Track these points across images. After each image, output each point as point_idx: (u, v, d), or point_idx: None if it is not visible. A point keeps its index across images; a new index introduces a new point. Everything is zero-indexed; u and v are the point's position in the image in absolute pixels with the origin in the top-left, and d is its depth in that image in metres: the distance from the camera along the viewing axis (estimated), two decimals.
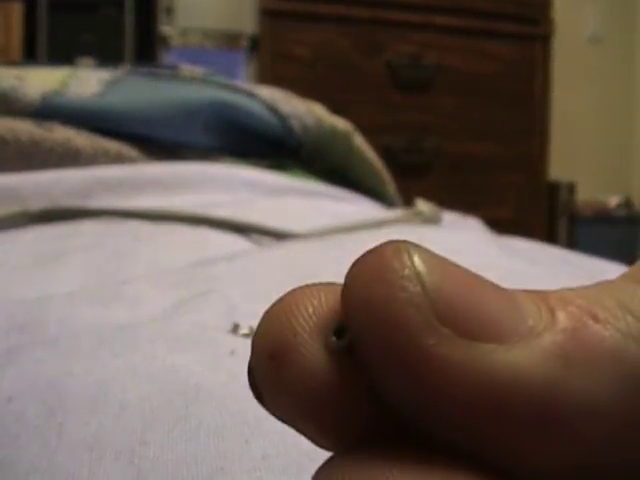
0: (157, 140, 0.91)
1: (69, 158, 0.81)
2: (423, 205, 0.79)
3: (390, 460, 0.15)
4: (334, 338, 0.16)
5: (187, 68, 1.22)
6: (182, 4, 2.94)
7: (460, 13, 3.06)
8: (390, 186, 1.08)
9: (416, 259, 0.16)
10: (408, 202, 0.84)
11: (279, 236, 0.62)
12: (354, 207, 0.82)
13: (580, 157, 3.51)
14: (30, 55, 2.68)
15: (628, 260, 0.66)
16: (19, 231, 0.63)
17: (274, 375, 0.16)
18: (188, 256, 0.55)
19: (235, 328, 0.40)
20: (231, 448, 0.30)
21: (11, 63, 1.63)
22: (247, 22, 2.96)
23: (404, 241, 0.16)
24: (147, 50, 2.80)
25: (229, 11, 3.01)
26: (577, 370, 0.15)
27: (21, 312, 0.43)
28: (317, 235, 0.62)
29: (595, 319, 0.16)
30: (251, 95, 0.98)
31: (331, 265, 0.52)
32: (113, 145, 0.85)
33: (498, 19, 3.09)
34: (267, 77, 2.76)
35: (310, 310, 0.17)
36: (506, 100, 3.09)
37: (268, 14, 2.90)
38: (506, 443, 0.15)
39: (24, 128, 0.81)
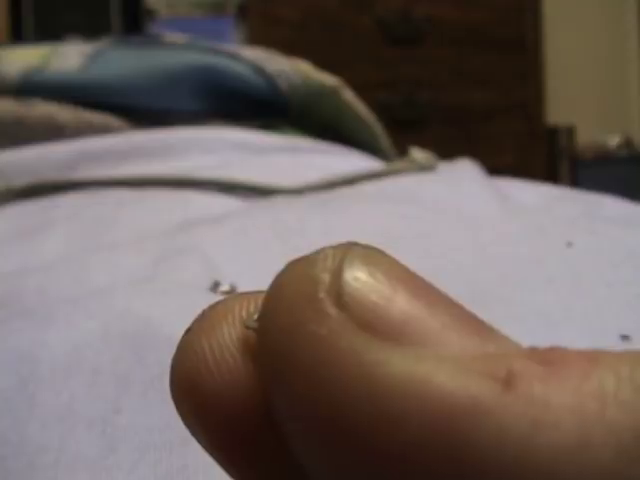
0: (144, 109, 0.90)
1: (53, 133, 0.80)
2: (417, 153, 0.78)
3: None
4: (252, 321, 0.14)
5: (170, 35, 1.21)
6: None
7: None
8: (383, 139, 1.07)
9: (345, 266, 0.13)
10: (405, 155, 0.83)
11: (266, 192, 0.61)
12: (345, 161, 0.81)
13: (577, 99, 3.48)
14: (18, 37, 2.66)
15: (631, 200, 0.65)
16: (2, 207, 0.62)
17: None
18: (171, 218, 0.54)
19: (215, 286, 0.39)
20: None
21: None
22: None
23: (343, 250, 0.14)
24: (135, 24, 2.77)
25: None
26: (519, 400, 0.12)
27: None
28: (306, 190, 0.61)
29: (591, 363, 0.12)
30: (235, 57, 0.97)
31: (318, 220, 0.51)
32: (98, 117, 0.84)
33: None
34: (257, 41, 2.74)
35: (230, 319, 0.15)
36: (499, 47, 3.06)
37: None
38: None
39: (5, 106, 0.80)
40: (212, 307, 0.15)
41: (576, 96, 3.48)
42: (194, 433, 0.15)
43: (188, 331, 0.15)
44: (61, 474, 0.28)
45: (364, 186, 0.63)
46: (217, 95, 0.94)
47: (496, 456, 0.11)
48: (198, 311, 0.36)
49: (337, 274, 0.13)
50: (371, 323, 0.12)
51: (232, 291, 0.39)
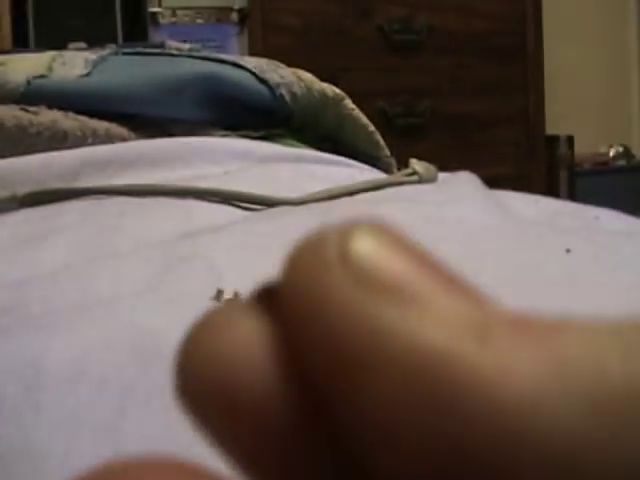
0: (146, 117, 0.90)
1: (57, 141, 0.80)
2: (417, 165, 0.79)
3: None
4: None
5: (174, 44, 1.21)
6: None
7: None
8: (384, 149, 1.08)
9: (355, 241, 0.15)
10: (406, 165, 0.84)
11: (269, 204, 0.62)
12: (347, 171, 0.82)
13: (576, 109, 3.49)
14: (22, 44, 2.66)
15: (630, 210, 0.66)
16: (6, 215, 0.62)
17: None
18: (175, 228, 0.55)
19: (219, 294, 0.39)
20: None
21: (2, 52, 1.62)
22: None
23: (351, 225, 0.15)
24: (138, 31, 2.78)
25: None
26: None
27: (4, 294, 0.42)
28: (308, 201, 0.61)
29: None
30: (238, 66, 0.97)
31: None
32: (101, 125, 0.85)
33: None
34: (259, 49, 2.75)
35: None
36: (500, 56, 3.07)
37: None
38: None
39: (8, 113, 0.80)
40: (208, 314, 0.16)
41: (575, 106, 3.49)
42: (220, 437, 0.16)
43: (189, 340, 0.16)
44: (65, 479, 0.28)
45: (365, 196, 0.64)
46: (220, 104, 0.94)
47: (466, 396, 0.13)
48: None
49: (345, 241, 0.15)
50: (368, 281, 0.14)
51: (236, 299, 0.39)
